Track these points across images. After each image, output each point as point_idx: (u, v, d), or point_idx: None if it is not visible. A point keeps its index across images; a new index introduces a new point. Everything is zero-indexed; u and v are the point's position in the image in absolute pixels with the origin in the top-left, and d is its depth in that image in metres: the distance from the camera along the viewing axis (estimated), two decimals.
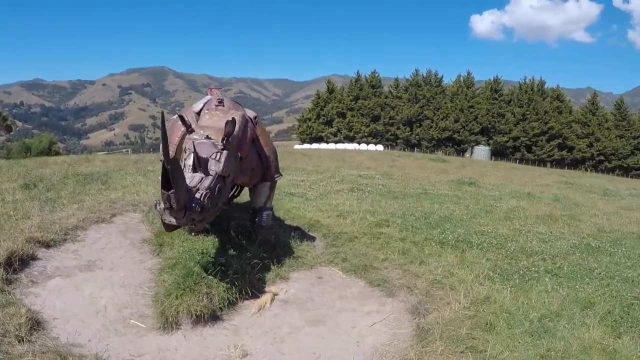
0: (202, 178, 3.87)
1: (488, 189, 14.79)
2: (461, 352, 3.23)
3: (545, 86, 58.31)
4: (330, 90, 63.02)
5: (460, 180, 16.41)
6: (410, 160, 31.55)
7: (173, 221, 3.68)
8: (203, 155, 4.01)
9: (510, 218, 9.30)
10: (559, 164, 54.62)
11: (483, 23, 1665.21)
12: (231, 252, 4.92)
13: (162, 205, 3.63)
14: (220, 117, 4.70)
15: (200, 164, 3.92)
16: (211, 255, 4.63)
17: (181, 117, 4.48)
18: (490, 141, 59.68)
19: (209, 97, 5.45)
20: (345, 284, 4.81)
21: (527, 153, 57.21)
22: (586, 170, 51.76)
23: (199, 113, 5.07)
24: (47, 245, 5.13)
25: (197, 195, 3.70)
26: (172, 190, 3.38)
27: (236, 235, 5.63)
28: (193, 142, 4.13)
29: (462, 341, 3.37)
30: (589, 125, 55.59)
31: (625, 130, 54.85)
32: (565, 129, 55.33)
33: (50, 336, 3.49)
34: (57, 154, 34.11)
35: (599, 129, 55.12)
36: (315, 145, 53.07)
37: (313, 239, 6.39)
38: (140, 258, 5.22)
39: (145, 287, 4.49)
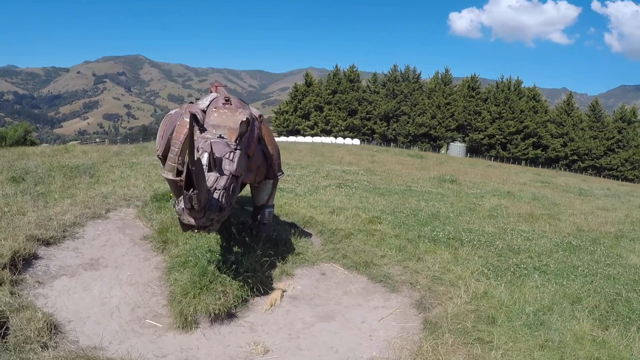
0: (218, 178, 3.93)
1: (469, 186, 15.37)
2: (470, 344, 3.54)
3: (522, 86, 60.13)
4: (308, 84, 63.05)
5: (441, 177, 16.95)
6: (389, 155, 32.08)
7: (192, 221, 3.74)
8: (217, 154, 4.09)
9: (493, 216, 9.78)
10: (533, 162, 56.58)
11: (461, 21, 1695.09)
12: (237, 249, 5.07)
13: (182, 205, 3.71)
14: (229, 115, 4.78)
15: (215, 164, 3.99)
16: (219, 254, 4.75)
17: (194, 116, 4.51)
18: (466, 138, 61.20)
19: (214, 94, 5.49)
20: (348, 280, 5.05)
21: (502, 151, 58.93)
22: (560, 169, 53.84)
23: (204, 111, 5.17)
24: (47, 243, 5.17)
25: (215, 196, 3.78)
26: (195, 191, 3.47)
27: (237, 232, 5.77)
28: (211, 142, 4.20)
29: (468, 333, 3.68)
30: (563, 125, 57.70)
31: (599, 131, 57.18)
32: (541, 128, 57.28)
33: (70, 340, 3.52)
34: (33, 143, 33.25)
35: (574, 129, 57.28)
36: (292, 138, 53.11)
37: (310, 235, 6.62)
38: (144, 256, 5.31)
39: (154, 286, 4.60)
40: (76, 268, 4.80)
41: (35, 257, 4.82)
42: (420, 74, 64.01)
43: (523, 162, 56.15)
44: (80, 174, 9.05)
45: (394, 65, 64.18)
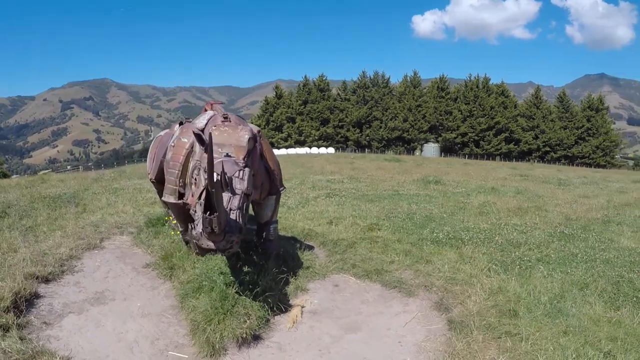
0: (230, 198, 3.89)
1: (453, 186, 15.74)
2: (499, 338, 3.66)
3: (490, 83, 62.14)
4: (279, 96, 63.38)
5: (425, 179, 17.29)
6: (366, 161, 32.49)
7: (211, 245, 3.68)
8: (227, 174, 4.05)
9: (484, 213, 10.06)
10: (507, 157, 58.38)
11: (425, 23, 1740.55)
12: (247, 269, 5.06)
13: (199, 229, 3.65)
14: (230, 133, 4.74)
15: (227, 184, 3.93)
16: (234, 275, 4.70)
17: (199, 136, 4.49)
18: (439, 138, 62.67)
19: (210, 112, 5.45)
20: (362, 289, 5.12)
21: (476, 148, 60.58)
22: (534, 161, 55.67)
23: (202, 130, 5.14)
24: (46, 279, 5.01)
25: (232, 217, 3.73)
26: (215, 214, 3.44)
27: (244, 251, 5.73)
28: (221, 161, 4.19)
29: (495, 328, 3.81)
30: (533, 119, 59.88)
31: (569, 121, 59.62)
32: (511, 122, 59.26)
33: None
34: (5, 175, 32.19)
35: (544, 121, 59.55)
36: None
37: (312, 247, 6.66)
38: (151, 284, 5.22)
39: (168, 315, 4.50)
40: (82, 304, 4.66)
41: (37, 296, 4.65)
42: (389, 78, 65.51)
43: (497, 157, 57.83)
44: (65, 203, 8.85)
45: (363, 72, 65.41)
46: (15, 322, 3.92)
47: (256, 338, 3.97)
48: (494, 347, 3.52)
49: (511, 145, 59.49)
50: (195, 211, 4.38)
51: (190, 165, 5.00)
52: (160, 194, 7.18)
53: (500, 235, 7.62)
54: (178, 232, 6.36)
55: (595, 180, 19.93)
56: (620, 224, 9.16)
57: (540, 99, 61.76)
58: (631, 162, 74.24)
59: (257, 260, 5.39)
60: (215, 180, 3.48)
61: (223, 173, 3.94)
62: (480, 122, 59.48)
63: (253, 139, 4.33)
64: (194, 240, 3.90)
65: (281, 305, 4.48)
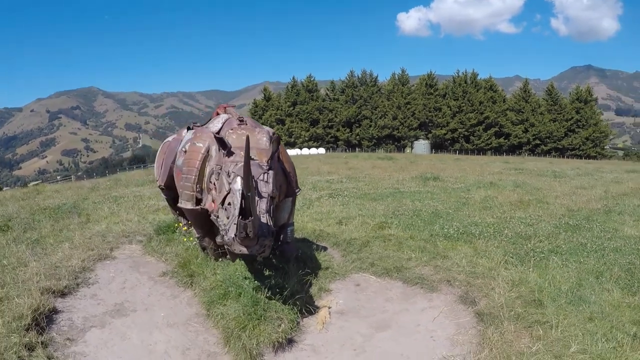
0: (258, 201, 3.90)
1: (451, 182, 15.96)
2: (529, 327, 3.81)
3: (478, 78, 62.84)
4: (267, 98, 63.40)
5: (423, 176, 17.51)
6: (360, 160, 32.67)
7: (244, 250, 3.71)
8: (253, 177, 4.13)
9: (488, 207, 10.25)
10: (497, 151, 59.08)
11: (410, 21, 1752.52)
12: (269, 272, 5.12)
13: (231, 234, 3.67)
14: (248, 135, 4.83)
15: (254, 188, 3.88)
16: (257, 280, 4.75)
17: (221, 140, 4.47)
18: (429, 135, 63.18)
19: (224, 116, 5.49)
20: (384, 287, 5.22)
21: (466, 143, 61.18)
22: (524, 154, 56.43)
23: (218, 133, 5.14)
24: (62, 293, 4.92)
25: (263, 220, 3.77)
26: (250, 218, 3.49)
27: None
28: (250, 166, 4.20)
29: (524, 318, 3.95)
30: (523, 112, 60.68)
31: (558, 113, 60.52)
32: (501, 117, 59.99)
33: None
34: None
35: (533, 114, 60.38)
36: None
37: (326, 248, 6.75)
38: (171, 293, 5.20)
39: (194, 324, 4.49)
40: (103, 317, 4.59)
41: (55, 311, 4.54)
42: (377, 77, 65.89)
43: (488, 152, 58.48)
44: (67, 214, 8.83)
45: (351, 71, 65.76)
46: (38, 340, 3.85)
47: (290, 342, 4.00)
48: (527, 336, 3.66)
49: (501, 140, 60.21)
50: (218, 217, 4.42)
51: (207, 171, 5.03)
52: (170, 200, 7.23)
53: (509, 228, 7.79)
54: (191, 239, 6.40)
55: (589, 172, 20.35)
56: (621, 214, 9.42)
57: (528, 92, 62.62)
58: (621, 153, 75.68)
59: (277, 263, 5.45)
60: (251, 185, 3.53)
61: (250, 176, 4.00)
62: (469, 118, 60.11)
63: (276, 141, 4.39)
64: (226, 246, 3.91)
65: (309, 307, 4.54)
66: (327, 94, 65.75)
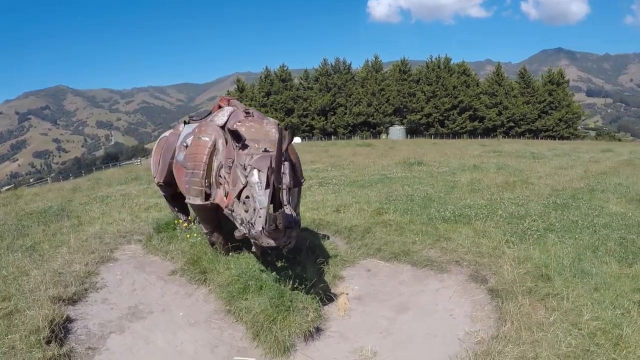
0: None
1: (435, 166, 16.35)
2: (543, 299, 4.08)
3: (451, 62, 63.85)
4: (241, 89, 62.90)
5: (407, 161, 17.86)
6: (339, 148, 32.89)
7: (272, 242, 3.78)
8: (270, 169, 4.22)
9: (476, 190, 10.62)
10: (472, 134, 60.46)
11: (380, 7, 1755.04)
12: (282, 264, 5.20)
13: (258, 227, 3.73)
14: (257, 127, 4.76)
15: (274, 180, 3.97)
16: (275, 272, 4.85)
17: (234, 132, 4.50)
18: (404, 120, 64.05)
19: (229, 108, 5.48)
20: (394, 271, 5.43)
21: (441, 128, 62.35)
22: (499, 137, 57.90)
23: (223, 127, 5.14)
24: (72, 301, 4.77)
25: (287, 211, 3.85)
26: (280, 210, 3.58)
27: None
28: (270, 157, 4.18)
29: (536, 292, 4.22)
30: (496, 95, 62.19)
31: (531, 96, 62.27)
32: (475, 101, 61.35)
33: None
34: None
35: (506, 97, 61.99)
36: None
37: (328, 236, 6.91)
38: (185, 291, 5.19)
39: (216, 320, 4.52)
40: (119, 321, 4.51)
41: (69, 320, 4.41)
42: (350, 64, 66.21)
43: (463, 135, 59.72)
44: (55, 217, 8.68)
45: (324, 59, 65.87)
46: (60, 353, 3.74)
47: (317, 330, 4.11)
48: (541, 308, 3.93)
49: (476, 123, 61.61)
50: (233, 210, 4.49)
51: (215, 165, 5.06)
52: (169, 197, 7.23)
53: (501, 209, 8.13)
54: (195, 235, 6.44)
55: (566, 152, 21.17)
56: (604, 192, 9.92)
57: (501, 76, 64.09)
58: (593, 133, 78.51)
59: (286, 253, 5.55)
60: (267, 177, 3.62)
61: (271, 168, 4.09)
62: (443, 102, 61.19)
63: (291, 132, 4.48)
64: (252, 240, 3.96)
65: (328, 295, 4.68)
66: (301, 83, 65.70)
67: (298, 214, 6.08)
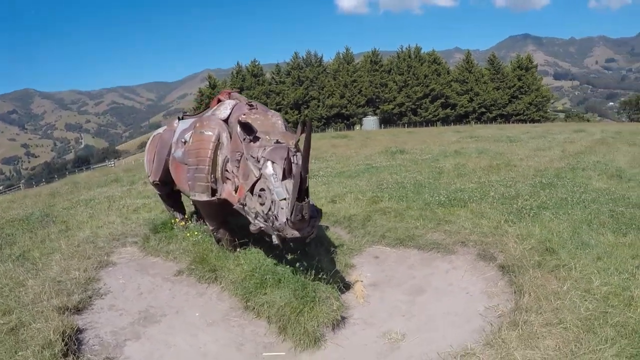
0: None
1: (418, 154, 16.64)
2: (553, 271, 4.29)
3: (422, 52, 64.67)
4: (213, 86, 62.09)
5: (388, 150, 18.10)
6: (316, 140, 32.54)
7: (296, 233, 3.81)
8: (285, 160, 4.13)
9: (463, 174, 10.89)
10: (445, 121, 61.54)
11: None
12: (292, 256, 5.25)
13: (282, 219, 3.76)
14: (263, 120, 4.79)
15: (290, 171, 4.05)
16: (288, 264, 4.88)
17: (246, 125, 4.49)
18: (377, 111, 64.65)
19: (231, 101, 5.42)
20: (402, 256, 5.57)
21: (414, 116, 63.19)
22: (472, 123, 59.14)
23: (226, 120, 5.12)
24: (77, 309, 4.62)
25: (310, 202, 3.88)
26: (306, 200, 3.62)
27: (269, 238, 5.83)
28: (288, 149, 4.28)
29: (545, 265, 4.43)
30: (467, 82, 63.46)
31: (501, 82, 63.75)
32: (446, 88, 62.43)
33: None
34: None
35: (477, 84, 63.32)
36: None
37: (328, 227, 6.99)
38: (195, 291, 5.13)
39: (233, 317, 4.50)
40: (133, 327, 4.38)
41: (79, 330, 4.22)
42: (322, 57, 66.33)
43: (437, 123, 60.75)
44: (40, 224, 8.46)
45: (295, 53, 65.80)
46: None
47: (342, 319, 4.17)
48: (553, 279, 4.14)
49: (448, 110, 62.72)
50: (245, 204, 4.50)
51: (220, 159, 5.04)
52: (164, 196, 7.15)
53: (493, 191, 8.40)
54: (196, 233, 6.40)
55: (540, 134, 21.87)
56: (585, 170, 10.36)
57: (471, 63, 65.32)
58: (562, 115, 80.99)
59: (294, 246, 5.59)
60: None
61: (289, 160, 4.12)
62: (415, 91, 62.00)
63: (309, 123, 4.52)
64: (276, 232, 3.95)
65: (345, 283, 4.77)
66: (273, 78, 65.35)
67: None
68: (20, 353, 3.62)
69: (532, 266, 4.42)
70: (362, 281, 4.92)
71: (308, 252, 5.38)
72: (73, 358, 3.66)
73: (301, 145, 4.66)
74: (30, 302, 4.56)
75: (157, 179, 6.58)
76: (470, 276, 4.73)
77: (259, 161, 4.33)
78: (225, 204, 5.04)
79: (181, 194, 7.09)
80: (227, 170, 4.94)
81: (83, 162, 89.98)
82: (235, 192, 4.74)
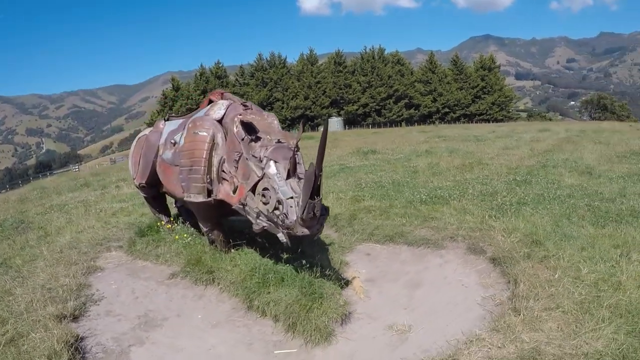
0: (298, 182, 4.13)
1: (389, 153, 16.98)
2: (542, 261, 4.57)
3: (385, 53, 65.92)
4: (176, 88, 61.25)
5: (360, 150, 18.37)
6: None
7: (306, 231, 3.89)
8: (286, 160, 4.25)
9: (438, 173, 11.25)
10: (409, 122, 62.91)
11: (310, 0, 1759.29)
12: (287, 255, 5.32)
13: (293, 217, 3.84)
14: (259, 119, 4.84)
15: (294, 170, 4.17)
16: (286, 263, 4.97)
17: (248, 124, 4.57)
18: (342, 112, 65.36)
19: (225, 102, 5.42)
20: (393, 252, 5.76)
21: (378, 117, 64.34)
22: (436, 123, 60.66)
23: (220, 121, 5.13)
24: (74, 317, 4.55)
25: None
26: (317, 198, 3.72)
27: (262, 239, 5.84)
28: (286, 148, 4.36)
29: (534, 256, 4.71)
30: (430, 83, 65.27)
31: (464, 82, 65.85)
32: (410, 89, 63.93)
33: None
34: None
35: (440, 84, 65.25)
36: None
37: None
38: (193, 293, 5.13)
39: (237, 318, 4.54)
40: (135, 332, 4.34)
41: (78, 338, 4.14)
42: (286, 58, 66.60)
43: (401, 123, 62.03)
44: (16, 230, 8.19)
45: (259, 55, 65.88)
46: None
47: (347, 314, 4.30)
48: (544, 268, 4.42)
49: (412, 111, 64.22)
50: (245, 204, 4.57)
51: (215, 160, 5.05)
52: (150, 198, 7.07)
53: (471, 188, 8.75)
54: (185, 235, 6.39)
55: (506, 134, 22.77)
56: (555, 167, 10.92)
57: (434, 64, 67.18)
58: (524, 114, 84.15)
59: (292, 245, 5.63)
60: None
61: (294, 159, 4.18)
62: (379, 92, 63.15)
63: (304, 124, 4.64)
64: (285, 231, 4.03)
65: (344, 279, 4.91)
66: (237, 79, 65.01)
67: None
68: None
69: (522, 257, 4.71)
70: (359, 277, 5.08)
71: (303, 250, 5.47)
72: None
73: (300, 144, 4.76)
74: (24, 311, 4.45)
75: (144, 182, 6.50)
76: (463, 269, 4.98)
77: (261, 161, 4.39)
78: (220, 205, 5.07)
79: (166, 196, 7.05)
80: (223, 171, 4.96)
81: (45, 167, 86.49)
82: (234, 192, 4.78)
